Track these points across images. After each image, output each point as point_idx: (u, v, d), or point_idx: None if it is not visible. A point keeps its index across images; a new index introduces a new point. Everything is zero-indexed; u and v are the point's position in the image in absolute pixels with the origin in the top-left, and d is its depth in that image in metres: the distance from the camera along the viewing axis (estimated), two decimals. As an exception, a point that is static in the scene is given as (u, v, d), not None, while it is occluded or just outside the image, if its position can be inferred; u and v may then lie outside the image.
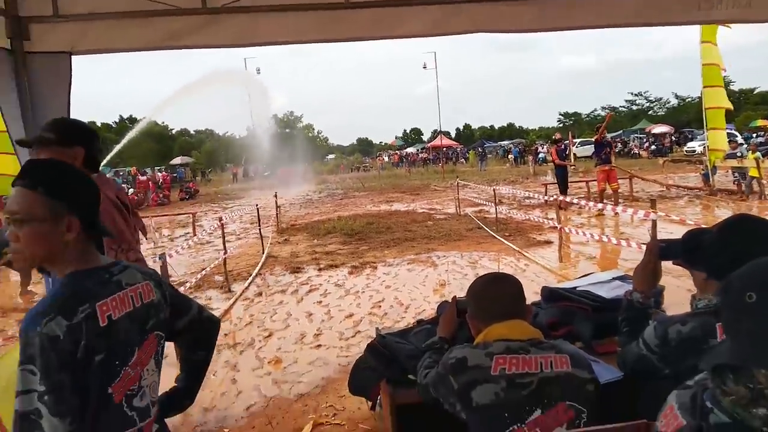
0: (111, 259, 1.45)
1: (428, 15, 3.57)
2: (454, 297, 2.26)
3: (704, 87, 13.60)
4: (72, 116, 3.46)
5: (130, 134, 32.09)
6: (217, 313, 5.99)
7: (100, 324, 1.27)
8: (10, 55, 3.17)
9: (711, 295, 1.60)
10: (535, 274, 6.87)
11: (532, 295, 2.73)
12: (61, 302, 1.27)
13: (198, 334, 1.63)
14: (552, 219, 8.65)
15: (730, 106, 13.64)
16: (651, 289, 1.91)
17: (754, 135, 32.74)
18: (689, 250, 1.76)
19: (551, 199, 9.64)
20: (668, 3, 3.71)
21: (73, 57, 3.36)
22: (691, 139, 35.76)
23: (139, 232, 2.54)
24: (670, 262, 1.86)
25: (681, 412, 0.99)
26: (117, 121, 60.37)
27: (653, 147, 35.69)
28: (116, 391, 1.30)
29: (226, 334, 5.43)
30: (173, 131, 65.15)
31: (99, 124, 55.60)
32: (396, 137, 76.67)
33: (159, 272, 1.80)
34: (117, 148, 28.37)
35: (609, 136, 13.38)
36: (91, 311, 1.27)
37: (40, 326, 1.21)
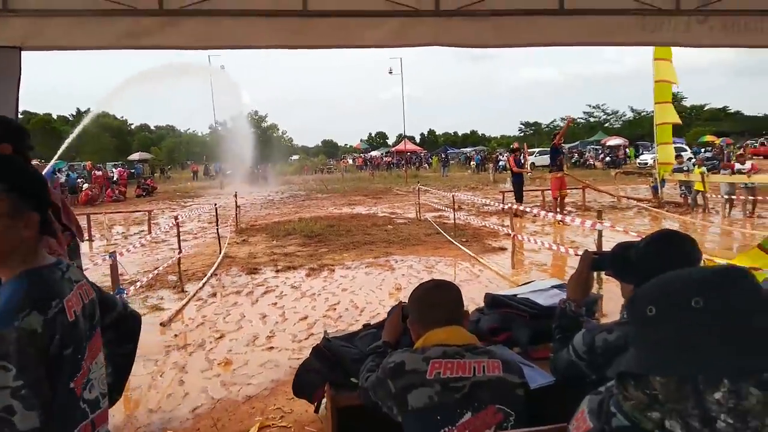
0: (54, 258, 1.44)
1: (387, 26, 3.65)
2: (400, 302, 2.32)
3: (656, 103, 14.22)
4: (24, 109, 3.39)
5: (81, 125, 30.96)
6: (168, 314, 5.92)
7: (68, 319, 1.30)
8: (-43, 47, 3.08)
9: None
10: (489, 279, 7.03)
11: (482, 301, 2.83)
12: (33, 298, 1.27)
13: (124, 329, 1.68)
14: (507, 226, 8.87)
15: (678, 120, 14.30)
16: (583, 297, 2.00)
17: (702, 150, 34.33)
18: (617, 263, 1.87)
19: (508, 207, 9.88)
20: (617, 25, 3.90)
21: (23, 52, 3.28)
22: (643, 152, 37.12)
23: (74, 235, 2.39)
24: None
25: (589, 416, 1.07)
26: (74, 114, 58.23)
27: (608, 158, 36.91)
28: (77, 385, 1.34)
29: (176, 335, 5.36)
30: (132, 126, 63.45)
31: (55, 117, 53.60)
32: (361, 140, 76.73)
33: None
34: (68, 140, 27.36)
35: (566, 146, 13.83)
36: (62, 306, 1.29)
37: (17, 321, 1.21)
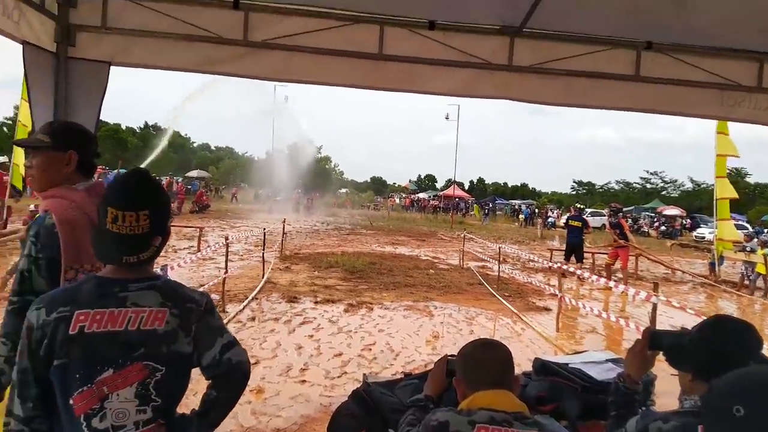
0: (157, 273, 1.49)
1: (459, 76, 3.71)
2: (445, 356, 2.26)
3: (716, 177, 13.74)
4: (101, 119, 3.59)
5: (161, 144, 34.36)
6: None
7: (68, 331, 1.31)
8: (54, 59, 3.31)
9: (698, 396, 1.60)
10: (531, 340, 6.79)
11: (525, 360, 2.72)
12: (54, 296, 1.35)
13: (215, 374, 1.53)
14: (554, 286, 8.61)
15: (735, 195, 13.73)
16: (639, 374, 1.90)
17: (766, 230, 32.68)
18: (672, 350, 1.77)
19: (556, 266, 9.62)
20: (694, 96, 3.82)
21: (112, 67, 3.51)
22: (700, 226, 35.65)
23: None
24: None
25: None
26: (142, 126, 61.61)
27: (663, 228, 35.66)
28: (76, 404, 1.31)
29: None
30: (195, 144, 66.48)
31: (124, 128, 56.70)
32: (410, 181, 77.37)
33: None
34: (151, 157, 30.41)
35: (620, 213, 13.17)
36: (67, 315, 1.32)
37: (31, 309, 1.33)
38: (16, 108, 18.16)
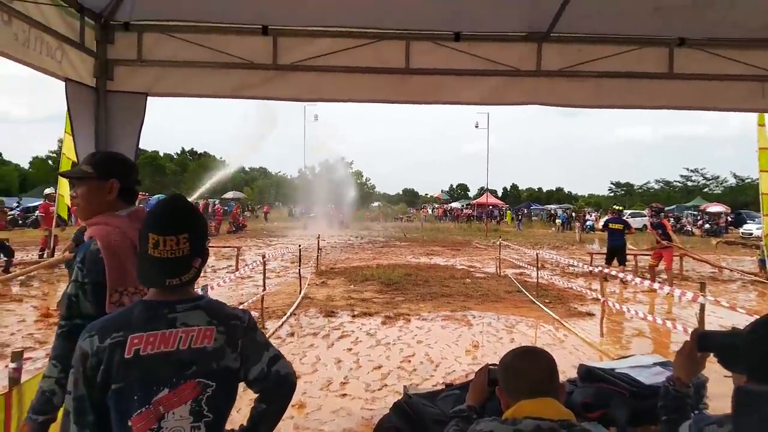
0: (199, 294, 1.54)
1: (486, 84, 3.70)
2: (486, 365, 2.23)
3: (760, 171, 13.19)
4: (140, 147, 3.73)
5: (223, 172, 39.02)
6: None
7: (124, 355, 1.35)
8: (94, 93, 3.47)
9: None
10: (574, 346, 6.64)
11: (569, 367, 2.66)
12: (105, 323, 1.40)
13: (263, 387, 1.58)
14: (596, 290, 8.42)
15: None
16: (690, 377, 1.84)
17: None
18: (725, 351, 1.70)
19: (597, 269, 9.37)
20: (732, 90, 3.71)
21: (149, 98, 3.65)
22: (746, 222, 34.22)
23: None
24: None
25: None
26: (179, 152, 63.53)
27: (707, 226, 34.45)
28: (135, 426, 1.35)
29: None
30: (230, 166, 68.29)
31: (162, 154, 58.54)
32: (442, 191, 77.11)
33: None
34: (210, 182, 35.09)
35: (662, 213, 12.61)
36: (121, 340, 1.36)
37: (83, 338, 1.37)
38: (60, 141, 19.01)
